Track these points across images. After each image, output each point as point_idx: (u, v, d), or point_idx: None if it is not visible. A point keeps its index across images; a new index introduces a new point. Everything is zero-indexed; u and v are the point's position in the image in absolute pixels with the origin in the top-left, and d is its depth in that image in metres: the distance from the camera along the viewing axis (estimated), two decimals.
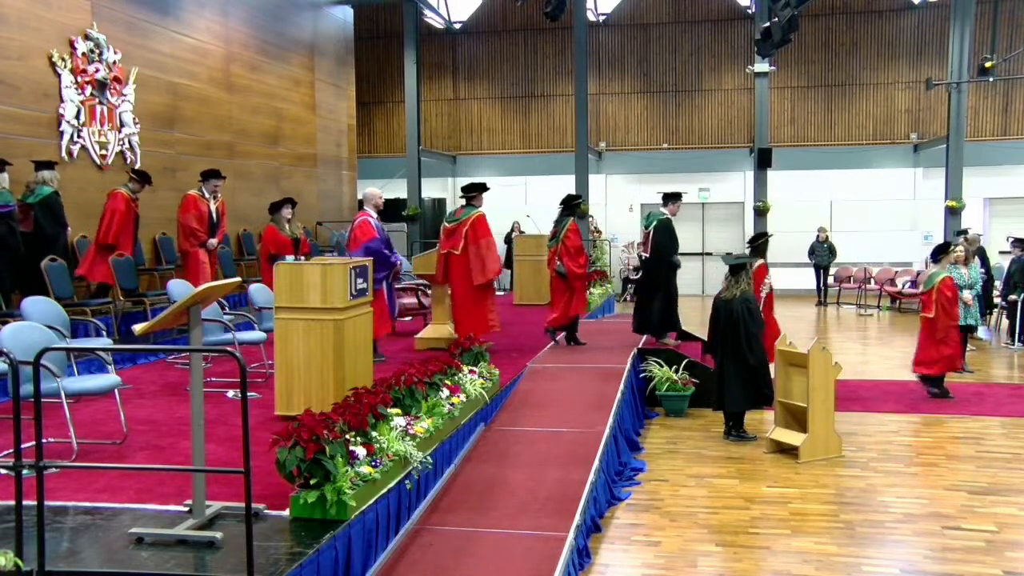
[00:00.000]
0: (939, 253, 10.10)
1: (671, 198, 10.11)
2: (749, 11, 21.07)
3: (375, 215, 8.77)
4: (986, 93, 21.18)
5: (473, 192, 9.29)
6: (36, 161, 9.21)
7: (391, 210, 20.46)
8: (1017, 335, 13.11)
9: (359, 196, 17.38)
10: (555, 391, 8.19)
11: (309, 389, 6.17)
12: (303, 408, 5.13)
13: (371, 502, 4.62)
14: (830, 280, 19.53)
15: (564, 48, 22.68)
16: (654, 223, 9.93)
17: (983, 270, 12.49)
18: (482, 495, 5.80)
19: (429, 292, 10.51)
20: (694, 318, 13.66)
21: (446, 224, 9.31)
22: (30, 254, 8.65)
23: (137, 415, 6.51)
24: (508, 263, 17.77)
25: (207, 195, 10.73)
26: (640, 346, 9.92)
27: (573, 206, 10.16)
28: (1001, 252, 17.55)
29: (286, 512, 4.40)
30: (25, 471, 3.63)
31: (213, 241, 10.86)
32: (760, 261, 9.42)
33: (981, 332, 13.48)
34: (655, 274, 9.96)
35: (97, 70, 10.62)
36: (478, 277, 8.99)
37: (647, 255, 10.03)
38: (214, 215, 10.83)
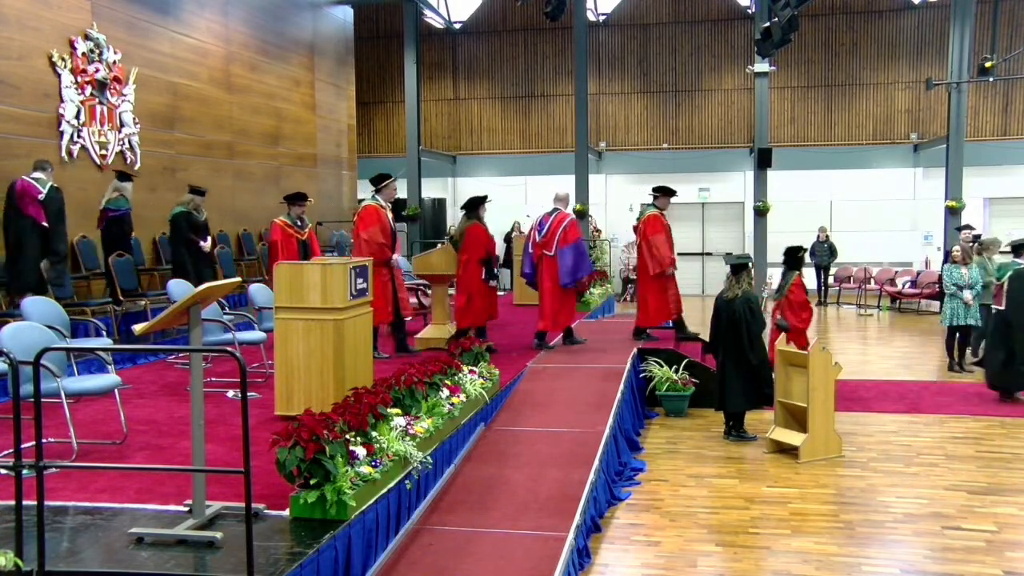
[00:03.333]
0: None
1: (1021, 249, 9.60)
2: (749, 11, 21.06)
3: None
4: (986, 93, 21.18)
5: (656, 193, 10.23)
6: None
7: (391, 210, 20.52)
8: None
9: (359, 196, 17.38)
10: (555, 391, 8.19)
11: (309, 389, 6.17)
12: (303, 408, 5.12)
13: (371, 502, 4.61)
14: (830, 280, 19.52)
15: (564, 48, 22.68)
16: (1009, 273, 9.48)
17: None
18: (482, 495, 5.79)
19: (429, 292, 10.51)
20: (695, 318, 13.64)
21: (633, 224, 10.52)
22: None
23: (137, 415, 6.51)
24: (507, 263, 17.82)
25: (384, 204, 9.02)
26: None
27: (797, 259, 9.15)
28: (1001, 252, 17.53)
29: (286, 512, 4.40)
30: (25, 471, 3.63)
31: (397, 257, 9.09)
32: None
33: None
34: (1014, 324, 9.40)
35: (97, 70, 10.63)
36: (653, 268, 9.93)
37: (1001, 308, 9.60)
38: (392, 226, 9.13)
